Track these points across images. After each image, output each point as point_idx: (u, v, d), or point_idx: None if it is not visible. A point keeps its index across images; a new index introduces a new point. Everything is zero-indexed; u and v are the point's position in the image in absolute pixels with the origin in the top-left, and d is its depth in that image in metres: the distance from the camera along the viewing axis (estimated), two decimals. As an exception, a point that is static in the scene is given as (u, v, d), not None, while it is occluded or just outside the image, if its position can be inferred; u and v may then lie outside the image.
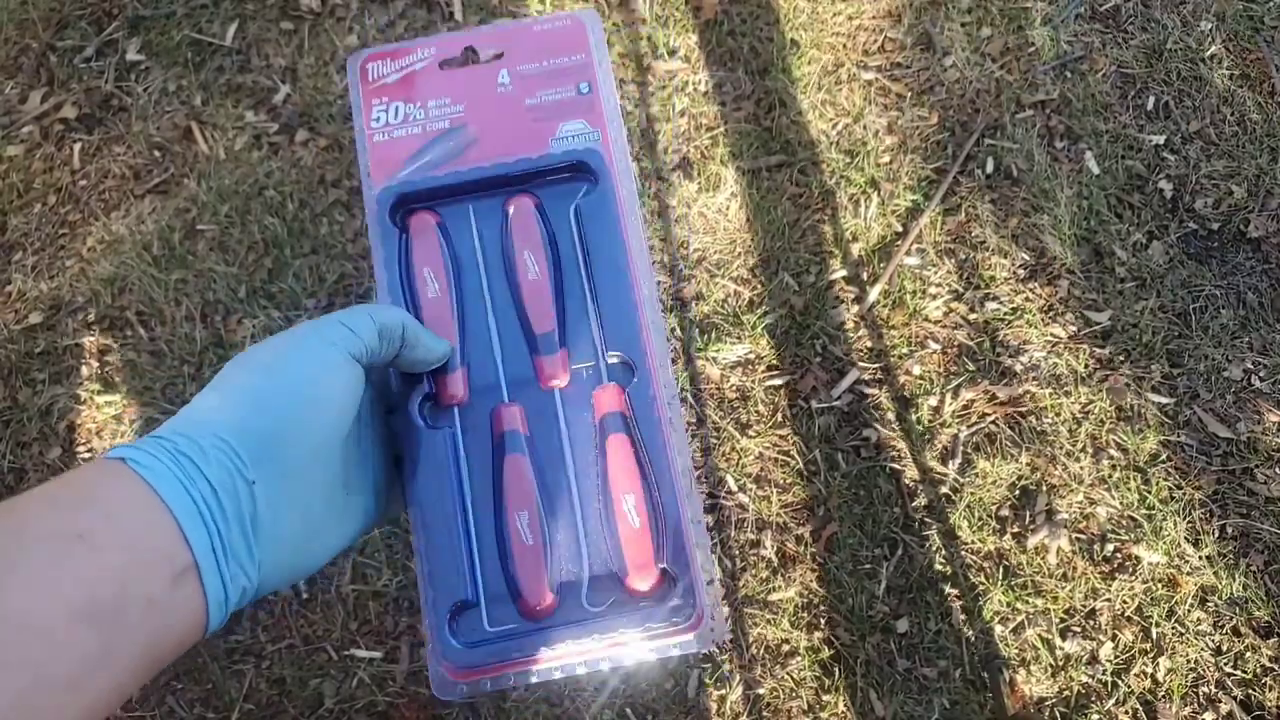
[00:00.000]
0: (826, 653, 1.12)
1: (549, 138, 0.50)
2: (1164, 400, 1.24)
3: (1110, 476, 1.20)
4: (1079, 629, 1.14)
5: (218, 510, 0.33)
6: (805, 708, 1.10)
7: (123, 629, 0.29)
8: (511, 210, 0.49)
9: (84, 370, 1.24)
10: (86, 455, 1.20)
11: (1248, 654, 1.12)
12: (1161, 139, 1.39)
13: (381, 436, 0.45)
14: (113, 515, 0.30)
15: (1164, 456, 1.21)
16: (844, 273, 1.31)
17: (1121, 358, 1.27)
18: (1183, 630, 1.13)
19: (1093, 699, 1.10)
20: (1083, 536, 1.18)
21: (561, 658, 0.43)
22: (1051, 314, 1.29)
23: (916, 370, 1.26)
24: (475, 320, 0.48)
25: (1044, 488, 1.20)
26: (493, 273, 0.48)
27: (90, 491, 0.31)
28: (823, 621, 1.14)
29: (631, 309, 0.47)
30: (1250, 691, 1.10)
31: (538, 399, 0.47)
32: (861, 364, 1.26)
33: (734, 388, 1.24)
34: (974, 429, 1.23)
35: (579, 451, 0.46)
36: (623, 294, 0.47)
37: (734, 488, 1.19)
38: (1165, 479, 1.20)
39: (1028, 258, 1.32)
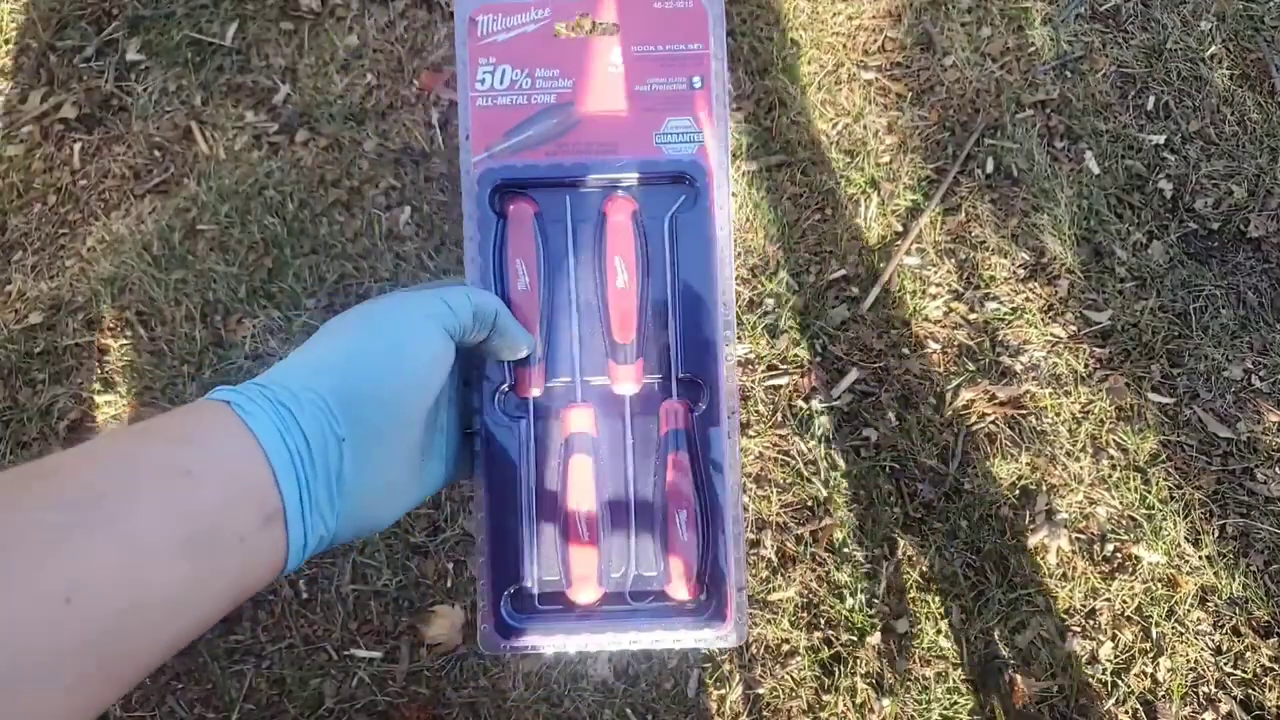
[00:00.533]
0: (826, 653, 1.12)
1: (653, 131, 0.49)
2: (1164, 400, 1.24)
3: (1110, 476, 1.20)
4: (1079, 629, 1.14)
5: (308, 461, 0.34)
6: (805, 708, 1.10)
7: (215, 562, 0.31)
8: (610, 212, 0.49)
9: (84, 370, 1.24)
10: (86, 455, 1.20)
11: (1248, 654, 1.12)
12: (1161, 139, 1.39)
13: (458, 408, 0.47)
14: (215, 455, 0.32)
15: (1164, 456, 1.21)
16: (844, 273, 1.31)
17: (1121, 358, 1.27)
18: (1183, 630, 1.13)
19: (1093, 699, 1.10)
20: (1083, 536, 1.18)
21: (596, 643, 0.47)
22: (1051, 314, 1.29)
23: (916, 370, 1.26)
24: (559, 317, 0.48)
25: (1044, 488, 1.20)
26: (582, 273, 0.49)
27: (197, 430, 0.33)
28: (823, 621, 1.14)
29: (712, 332, 0.48)
30: (1250, 691, 1.11)
31: (609, 403, 0.48)
32: (861, 364, 1.26)
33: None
34: (974, 429, 1.23)
35: (640, 459, 0.48)
36: (705, 316, 0.48)
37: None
38: (1165, 479, 1.20)
39: (1028, 258, 1.32)
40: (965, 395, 1.25)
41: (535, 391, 0.47)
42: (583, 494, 0.47)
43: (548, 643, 0.46)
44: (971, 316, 1.29)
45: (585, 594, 0.47)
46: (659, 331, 0.48)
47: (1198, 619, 1.14)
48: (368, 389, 0.37)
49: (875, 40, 1.46)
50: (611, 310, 0.48)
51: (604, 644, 0.46)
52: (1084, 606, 1.15)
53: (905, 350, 1.27)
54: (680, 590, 0.47)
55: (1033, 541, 1.17)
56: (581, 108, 0.49)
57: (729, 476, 0.47)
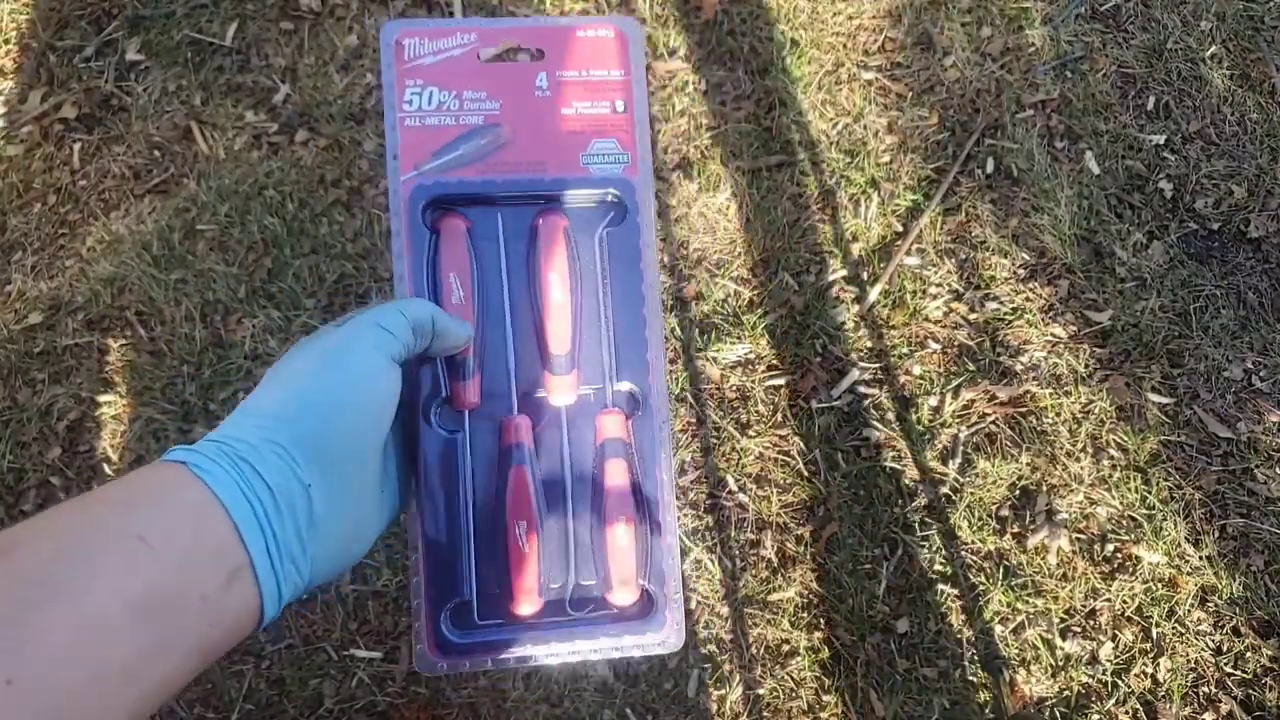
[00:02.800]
0: (826, 653, 1.12)
1: (579, 153, 0.50)
2: (1164, 400, 1.24)
3: (1110, 476, 1.20)
4: (1079, 629, 1.14)
5: (274, 512, 0.34)
6: (805, 708, 1.10)
7: (177, 625, 0.30)
8: (542, 228, 0.49)
9: (83, 370, 1.24)
10: (87, 455, 1.20)
11: (1248, 654, 1.12)
12: (1162, 139, 1.39)
13: (400, 429, 0.47)
14: (171, 517, 0.32)
15: (1164, 456, 1.21)
16: (844, 273, 1.31)
17: (1121, 358, 1.27)
18: (1183, 630, 1.13)
19: (1093, 699, 1.10)
20: (1083, 536, 1.18)
21: (538, 655, 0.47)
22: (1051, 314, 1.29)
23: (916, 370, 1.26)
24: (494, 331, 0.49)
25: (1044, 488, 1.20)
26: (516, 287, 0.49)
27: (151, 494, 0.33)
28: (823, 621, 1.14)
29: (643, 343, 0.49)
30: (1250, 691, 1.10)
31: (545, 414, 0.49)
32: (861, 364, 1.26)
33: (734, 388, 1.24)
34: (974, 429, 1.23)
35: (577, 468, 0.49)
36: (637, 328, 0.49)
37: (734, 488, 1.19)
38: (1165, 479, 1.20)
39: (1028, 258, 1.32)
40: (965, 395, 1.25)
41: (471, 402, 0.47)
42: (521, 506, 0.47)
43: (489, 657, 0.46)
44: (972, 316, 1.29)
45: (527, 606, 0.47)
46: (594, 345, 0.49)
47: (1198, 619, 1.14)
48: (326, 432, 0.37)
49: (875, 40, 1.46)
50: (548, 322, 0.49)
51: (545, 655, 0.47)
52: (1084, 606, 1.15)
53: (905, 350, 1.27)
54: (620, 597, 0.48)
55: (1033, 541, 1.17)
56: (509, 129, 0.50)
57: (664, 482, 0.49)
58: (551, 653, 0.47)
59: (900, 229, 1.34)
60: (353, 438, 0.38)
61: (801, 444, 1.21)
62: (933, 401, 1.24)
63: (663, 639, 0.48)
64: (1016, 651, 1.13)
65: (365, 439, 0.39)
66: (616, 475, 0.48)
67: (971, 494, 1.19)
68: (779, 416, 1.23)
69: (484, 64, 0.50)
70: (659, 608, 0.48)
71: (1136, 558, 1.17)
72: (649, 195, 0.51)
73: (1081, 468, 1.21)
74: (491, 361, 0.49)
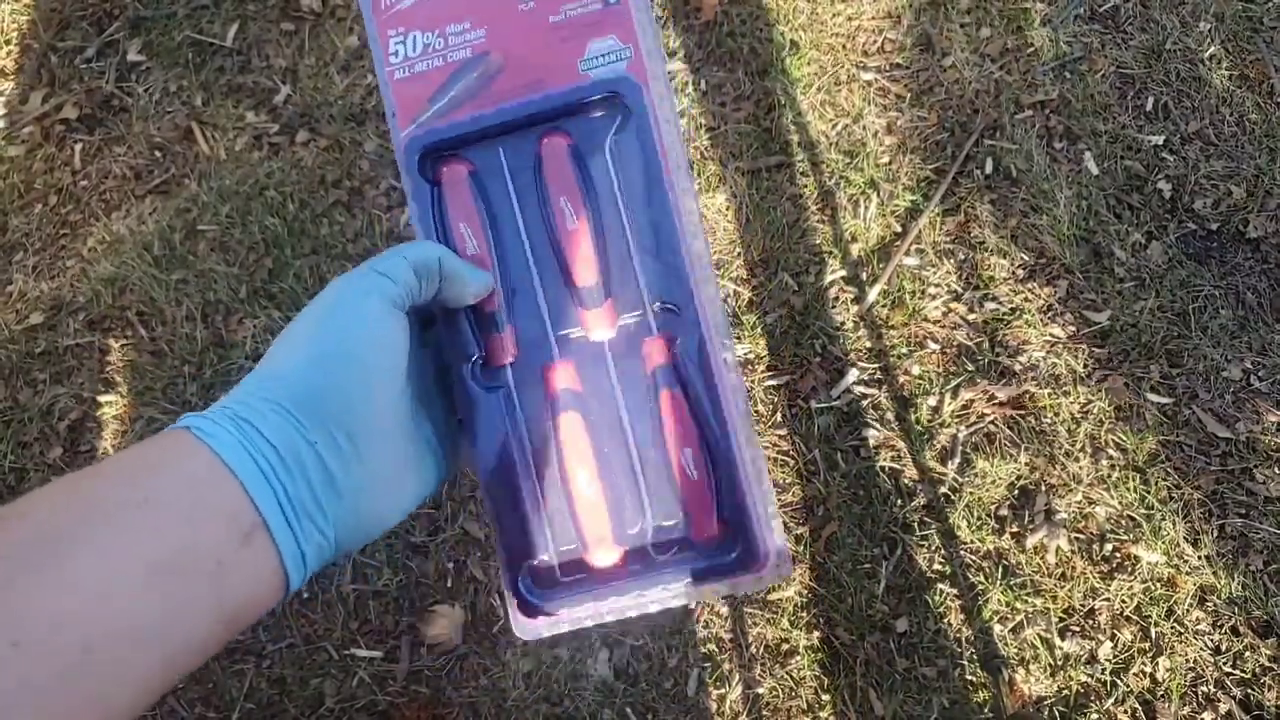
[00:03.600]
0: (826, 652, 1.12)
1: (577, 60, 0.46)
2: (1163, 400, 1.24)
3: (1109, 476, 1.21)
4: (1078, 628, 1.14)
5: (282, 470, 0.34)
6: (805, 708, 1.10)
7: (191, 586, 0.30)
8: (545, 153, 0.46)
9: (84, 370, 1.24)
10: (88, 455, 1.20)
11: (1247, 653, 1.12)
12: (1161, 139, 1.39)
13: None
14: (175, 480, 0.32)
15: (1163, 456, 1.22)
16: (843, 273, 1.31)
17: (1121, 358, 1.27)
18: (1182, 630, 1.13)
19: (1092, 698, 1.11)
20: (1082, 536, 1.18)
21: (631, 605, 0.44)
22: (1051, 314, 1.30)
23: (916, 370, 1.26)
24: (518, 275, 0.45)
25: (1043, 488, 1.20)
26: (530, 223, 0.46)
27: (155, 460, 0.32)
28: (822, 621, 1.14)
29: (676, 252, 0.45)
30: (1249, 691, 1.11)
31: (587, 353, 0.45)
32: (861, 364, 1.26)
33: (734, 388, 1.25)
34: (973, 429, 1.23)
35: (632, 405, 0.45)
36: (667, 236, 0.45)
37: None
38: (1164, 479, 1.20)
39: (1027, 258, 1.33)
40: (964, 395, 1.25)
41: (509, 357, 0.45)
42: (580, 452, 0.44)
43: (579, 614, 0.44)
44: (971, 316, 1.29)
45: (604, 556, 0.44)
46: (624, 267, 0.45)
47: (1197, 619, 1.14)
48: (326, 385, 0.36)
49: (875, 41, 1.46)
50: (568, 254, 0.45)
51: (633, 606, 0.44)
52: (1083, 606, 1.15)
53: (904, 350, 1.27)
54: (704, 531, 0.44)
55: (1032, 541, 1.17)
56: (500, 53, 0.46)
57: (731, 400, 0.44)
58: (644, 601, 0.44)
59: (899, 229, 1.34)
60: (356, 389, 0.37)
61: (801, 444, 1.22)
62: (932, 401, 1.25)
63: (764, 569, 0.44)
64: (1015, 651, 1.13)
65: (371, 390, 0.37)
66: (672, 405, 0.44)
67: (970, 494, 1.20)
68: (778, 416, 1.23)
69: None
70: (748, 538, 0.43)
71: (1135, 557, 1.17)
72: (662, 88, 0.46)
73: (1080, 467, 1.21)
74: (522, 308, 0.45)
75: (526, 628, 0.44)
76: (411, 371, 0.40)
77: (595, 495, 0.44)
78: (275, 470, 0.33)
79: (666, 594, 0.44)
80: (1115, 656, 1.13)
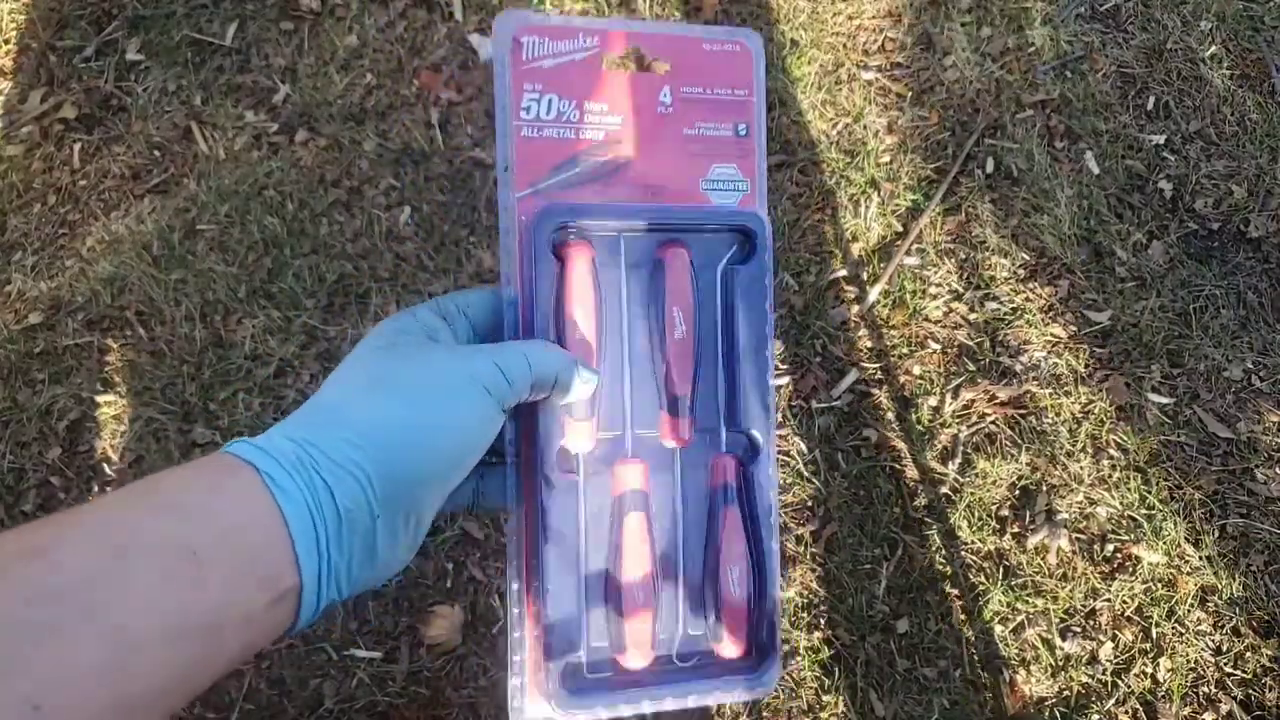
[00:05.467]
0: (826, 653, 1.12)
1: (699, 178, 0.47)
2: (1164, 400, 1.24)
3: (1110, 476, 1.20)
4: (1079, 629, 1.14)
5: (335, 541, 0.32)
6: (805, 708, 1.10)
7: (214, 647, 0.29)
8: (668, 261, 0.46)
9: (84, 370, 1.24)
10: (87, 455, 1.20)
11: (1248, 654, 1.12)
12: (1161, 139, 1.39)
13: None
14: (229, 531, 0.30)
15: (1164, 456, 1.21)
16: (844, 273, 1.31)
17: (1121, 358, 1.27)
18: (1183, 630, 1.13)
19: (1093, 699, 1.10)
20: (1083, 536, 1.18)
21: (647, 709, 0.45)
22: (1051, 314, 1.29)
23: (916, 370, 1.26)
24: (613, 369, 0.46)
25: (1044, 488, 1.20)
26: (636, 322, 0.46)
27: (213, 498, 0.30)
28: (823, 621, 1.14)
29: (765, 388, 0.47)
30: (1250, 691, 1.10)
31: (658, 454, 0.46)
32: (861, 364, 1.26)
33: (734, 388, 1.24)
34: (974, 429, 1.23)
35: (690, 513, 0.47)
36: (758, 371, 0.46)
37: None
38: (1165, 479, 1.20)
39: (1028, 258, 1.32)
40: (965, 395, 1.25)
41: (588, 446, 0.45)
42: (639, 555, 0.45)
43: (597, 711, 0.44)
44: (971, 316, 1.29)
45: (639, 660, 0.45)
46: (710, 385, 0.47)
47: (1198, 619, 1.14)
48: (413, 471, 0.34)
49: (875, 40, 1.46)
50: (671, 361, 0.46)
51: (654, 708, 0.45)
52: (1084, 606, 1.15)
53: (905, 350, 1.27)
54: (729, 649, 0.46)
55: (1033, 541, 1.17)
56: (630, 146, 0.46)
57: (775, 531, 0.47)
58: (661, 706, 0.45)
59: (900, 229, 1.34)
60: (438, 484, 0.36)
61: (801, 444, 1.21)
62: (932, 401, 1.24)
63: (768, 688, 0.46)
64: (1016, 651, 1.13)
65: (448, 482, 0.36)
66: (732, 523, 0.46)
67: (971, 494, 1.19)
68: (779, 416, 1.23)
69: (606, 72, 0.46)
70: (769, 659, 0.46)
71: (1136, 558, 1.17)
72: (770, 229, 0.47)
73: (1081, 468, 1.21)
74: (608, 401, 0.46)
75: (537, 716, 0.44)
76: None
77: (646, 599, 0.45)
78: (329, 539, 0.32)
79: (682, 700, 0.45)
80: (1116, 657, 1.12)
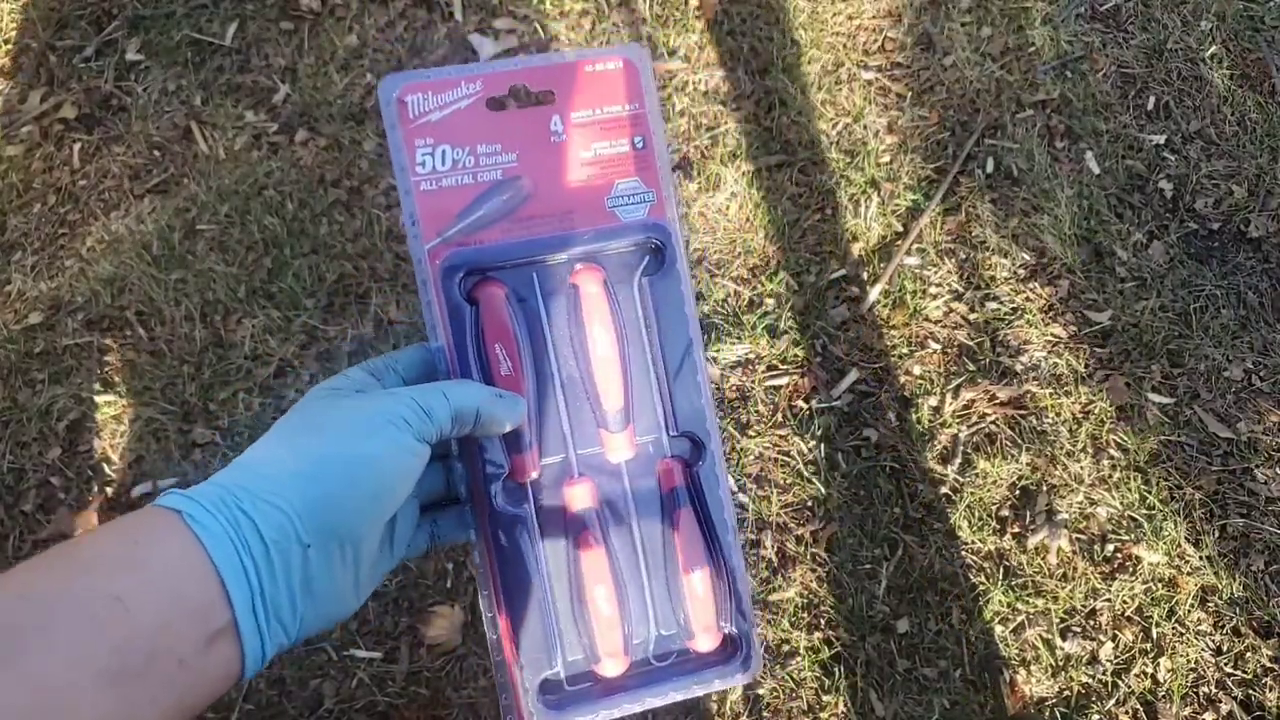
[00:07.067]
0: (826, 653, 1.12)
1: (605, 197, 0.49)
2: (1164, 400, 1.24)
3: (1110, 476, 1.20)
4: (1079, 629, 1.14)
5: (266, 572, 0.33)
6: (805, 708, 1.10)
7: (148, 690, 0.29)
8: (581, 283, 0.48)
9: (83, 370, 1.24)
10: (86, 455, 1.20)
11: (1248, 654, 1.12)
12: (1162, 139, 1.39)
13: (417, 491, 0.46)
14: (154, 576, 0.30)
15: (1164, 456, 1.21)
16: (844, 273, 1.31)
17: (1122, 358, 1.27)
18: (1183, 630, 1.13)
19: (1093, 699, 1.10)
20: (1083, 536, 1.18)
21: (630, 709, 0.48)
22: (1052, 314, 1.29)
23: (916, 370, 1.26)
24: (545, 395, 0.48)
25: (1044, 488, 1.20)
26: (560, 346, 0.48)
27: (138, 547, 0.31)
28: (823, 621, 1.14)
29: (698, 388, 0.48)
30: (1250, 691, 1.10)
31: (605, 472, 0.48)
32: (861, 364, 1.26)
33: (734, 388, 1.24)
34: (974, 429, 1.23)
35: (645, 522, 0.49)
36: (690, 373, 0.48)
37: (734, 488, 1.19)
38: (1165, 479, 1.20)
39: (1028, 258, 1.32)
40: (965, 395, 1.24)
41: (533, 474, 0.47)
42: (597, 570, 0.47)
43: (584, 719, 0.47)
44: (972, 316, 1.29)
45: (614, 667, 0.47)
46: (645, 395, 0.49)
47: (1198, 619, 1.14)
48: (336, 499, 0.36)
49: (875, 40, 1.46)
50: (598, 379, 0.48)
51: (637, 708, 0.47)
52: (1084, 607, 1.15)
53: (905, 350, 1.27)
54: (703, 644, 0.48)
55: (1033, 541, 1.17)
56: (530, 179, 0.48)
57: (729, 524, 0.49)
58: (643, 706, 0.47)
59: (900, 229, 1.34)
60: (366, 512, 0.37)
61: (801, 444, 1.21)
62: (933, 401, 1.24)
63: (748, 674, 0.48)
64: (1016, 651, 1.13)
65: (379, 512, 0.38)
66: (688, 525, 0.48)
67: (971, 494, 1.19)
68: (779, 416, 1.23)
69: (495, 114, 0.48)
70: (744, 648, 0.48)
71: (1136, 558, 1.17)
72: (679, 236, 0.49)
73: (1081, 468, 1.21)
74: (547, 428, 0.48)
75: None
76: None
77: (612, 611, 0.47)
78: (259, 571, 0.33)
79: (663, 698, 0.47)
80: (1116, 657, 1.12)
